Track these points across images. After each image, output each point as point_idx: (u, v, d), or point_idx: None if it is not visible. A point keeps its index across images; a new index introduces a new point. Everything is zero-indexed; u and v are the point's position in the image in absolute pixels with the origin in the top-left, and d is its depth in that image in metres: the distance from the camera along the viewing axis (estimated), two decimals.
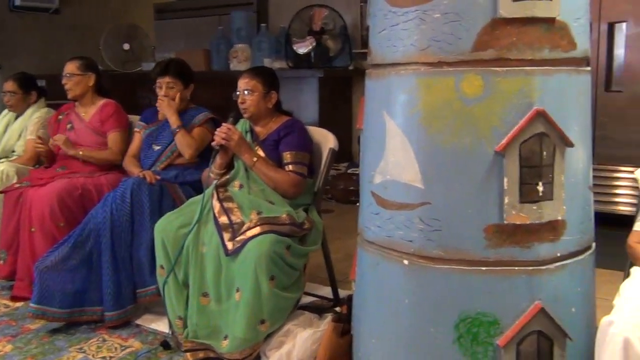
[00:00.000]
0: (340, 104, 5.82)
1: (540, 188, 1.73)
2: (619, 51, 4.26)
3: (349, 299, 2.30)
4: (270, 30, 6.13)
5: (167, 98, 3.18)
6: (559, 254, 1.80)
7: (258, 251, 2.42)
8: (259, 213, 2.58)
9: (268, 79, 2.87)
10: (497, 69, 1.71)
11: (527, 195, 1.73)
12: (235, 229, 2.54)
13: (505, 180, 1.72)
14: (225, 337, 2.50)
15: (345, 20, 5.63)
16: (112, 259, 2.88)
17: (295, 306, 2.63)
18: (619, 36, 4.25)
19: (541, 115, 1.71)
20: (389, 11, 1.86)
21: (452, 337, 1.80)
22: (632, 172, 2.11)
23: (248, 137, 2.85)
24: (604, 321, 1.74)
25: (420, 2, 1.76)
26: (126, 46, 6.58)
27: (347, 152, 5.72)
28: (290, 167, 2.75)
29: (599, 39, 4.27)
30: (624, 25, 4.19)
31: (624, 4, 4.16)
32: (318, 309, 2.81)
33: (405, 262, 1.86)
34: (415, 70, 1.80)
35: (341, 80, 5.83)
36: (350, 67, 5.65)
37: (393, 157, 1.87)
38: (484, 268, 1.77)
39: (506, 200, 1.72)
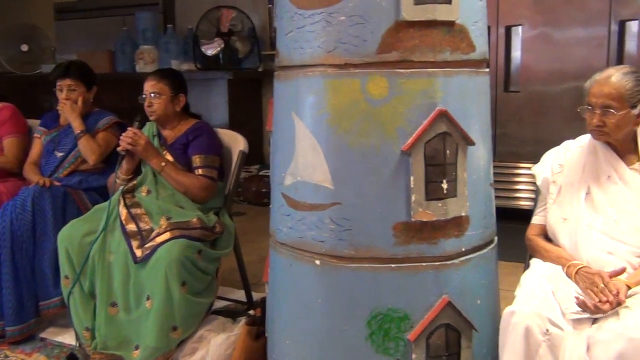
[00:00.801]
0: (251, 105, 5.79)
1: (444, 186, 1.79)
2: (516, 53, 4.46)
3: (263, 301, 2.29)
4: (177, 31, 6.02)
5: (69, 101, 3.06)
6: (463, 249, 1.86)
7: (168, 257, 2.37)
8: (168, 218, 2.52)
9: (175, 81, 2.81)
10: (402, 70, 1.76)
11: (433, 192, 1.78)
12: (143, 236, 2.48)
13: (412, 178, 1.76)
14: (137, 347, 2.43)
15: (254, 21, 5.60)
16: (12, 271, 2.73)
17: (208, 311, 2.60)
18: (515, 39, 4.45)
19: (444, 115, 1.76)
20: (296, 13, 1.87)
21: (365, 333, 1.83)
22: (530, 168, 2.22)
23: (155, 141, 2.78)
24: (506, 311, 1.82)
25: (325, 4, 1.78)
26: (24, 47, 6.29)
27: (258, 154, 5.71)
28: (200, 170, 2.71)
29: (498, 42, 4.46)
30: (520, 28, 4.40)
31: (520, 8, 4.37)
32: (232, 313, 2.78)
33: (317, 262, 1.87)
34: (322, 72, 1.82)
35: (251, 82, 5.80)
36: (260, 69, 5.63)
37: (303, 158, 1.88)
38: (393, 265, 1.81)
39: (413, 198, 1.77)
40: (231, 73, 5.40)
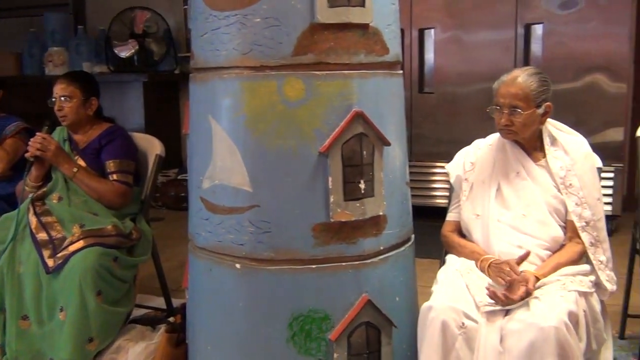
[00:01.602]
0: (168, 108, 5.69)
1: (362, 186, 1.82)
2: (429, 55, 4.59)
3: (183, 307, 2.25)
4: (89, 32, 5.84)
5: None
6: (382, 247, 1.90)
7: (82, 266, 2.30)
8: (81, 226, 2.44)
9: (87, 84, 2.72)
10: (317, 72, 1.77)
11: (351, 193, 1.81)
12: (55, 244, 2.39)
13: (330, 179, 1.78)
14: None
15: (169, 23, 5.50)
16: None
17: (126, 320, 2.53)
18: (428, 42, 4.58)
19: (360, 117, 1.79)
20: (210, 15, 1.85)
21: (286, 335, 1.83)
22: (444, 167, 2.29)
23: (66, 147, 2.68)
24: (423, 307, 1.87)
25: (240, 6, 1.77)
26: None
27: (176, 158, 5.61)
28: (114, 176, 2.63)
29: (411, 44, 4.57)
30: (432, 31, 4.53)
31: (432, 11, 4.50)
32: (151, 321, 2.73)
33: (238, 265, 1.86)
34: (238, 74, 1.81)
35: (167, 85, 5.70)
36: (176, 71, 5.54)
37: (221, 162, 1.87)
38: (313, 266, 1.82)
39: (331, 199, 1.79)
40: (146, 75, 5.30)
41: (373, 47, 1.84)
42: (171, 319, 2.54)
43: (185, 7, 5.60)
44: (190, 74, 2.01)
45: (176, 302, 2.94)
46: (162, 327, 2.47)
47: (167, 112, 5.66)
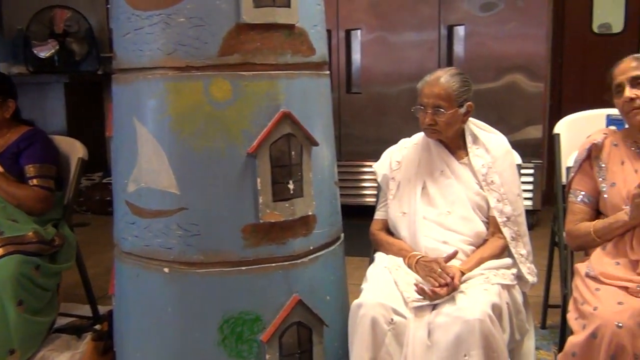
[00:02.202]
0: (91, 110, 5.52)
1: (291, 186, 1.82)
2: (356, 56, 4.65)
3: (110, 314, 2.20)
4: (6, 32, 5.61)
5: None
6: (312, 247, 1.91)
7: (2, 275, 2.22)
8: (0, 233, 2.34)
9: (3, 86, 2.61)
10: (244, 73, 1.76)
11: (280, 193, 1.81)
12: None
13: (259, 180, 1.77)
14: None
15: (91, 22, 5.35)
16: None
17: (49, 330, 2.46)
18: (355, 42, 4.64)
19: (287, 117, 1.79)
20: (132, 14, 1.80)
21: (217, 339, 1.81)
22: (372, 166, 2.33)
23: None
24: (353, 305, 1.89)
25: (163, 5, 1.74)
26: None
27: (101, 161, 5.45)
28: (35, 181, 2.54)
29: (338, 45, 4.61)
30: (359, 32, 4.59)
31: (358, 13, 4.56)
32: (76, 330, 2.65)
33: (166, 270, 1.83)
34: (163, 74, 1.78)
35: (90, 86, 5.54)
36: (99, 72, 5.39)
37: (146, 164, 1.83)
38: (243, 268, 1.81)
39: (260, 200, 1.78)
40: (68, 76, 5.15)
41: (299, 47, 1.85)
42: (97, 327, 2.49)
43: (108, 6, 5.46)
44: (113, 74, 1.96)
45: (102, 310, 2.87)
46: (88, 336, 2.42)
47: (90, 114, 5.50)
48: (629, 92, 1.93)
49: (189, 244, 1.80)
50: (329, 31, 4.47)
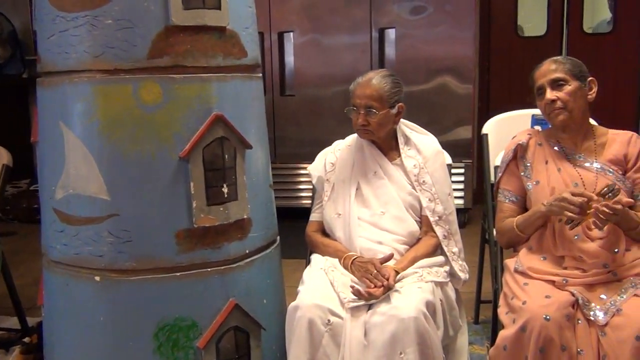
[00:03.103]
0: (16, 115, 5.33)
1: (225, 190, 1.81)
2: (289, 59, 4.66)
3: (39, 326, 2.13)
4: None
5: None
6: (247, 251, 1.90)
7: None
8: None
9: None
10: (175, 76, 1.73)
11: (214, 197, 1.79)
12: None
13: (192, 184, 1.75)
14: None
15: (14, 24, 5.17)
16: None
17: None
18: (288, 45, 4.65)
19: (220, 120, 1.78)
20: (57, 16, 1.75)
21: (153, 347, 1.78)
22: (307, 168, 2.34)
23: None
24: (290, 307, 1.89)
25: (89, 7, 1.70)
26: None
27: (28, 168, 5.25)
28: None
29: (271, 48, 4.61)
30: (291, 34, 4.60)
31: (290, 15, 4.57)
32: (4, 343, 2.56)
33: (97, 278, 1.78)
34: (90, 78, 1.73)
35: (14, 90, 5.35)
36: (24, 75, 5.21)
37: (75, 170, 1.78)
38: (178, 274, 1.79)
39: (194, 204, 1.76)
40: None
41: (231, 50, 1.83)
42: (26, 339, 2.41)
43: (32, 7, 5.28)
44: (37, 78, 1.90)
45: (31, 321, 2.77)
46: (17, 349, 2.35)
47: (15, 119, 5.30)
48: (549, 94, 2.01)
49: (120, 250, 1.76)
50: (261, 34, 4.48)
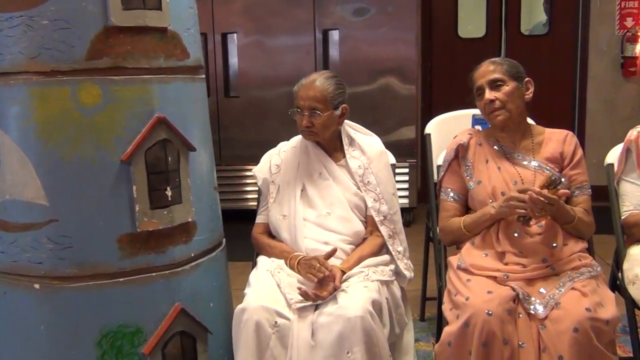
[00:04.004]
0: None
1: (169, 193, 1.78)
2: (233, 60, 4.63)
3: None
4: None
5: None
6: (192, 254, 1.87)
7: None
8: None
9: None
10: (115, 77, 1.70)
11: (157, 201, 1.76)
12: None
13: (134, 188, 1.72)
14: None
15: None
16: None
17: None
18: (231, 46, 4.61)
19: (162, 122, 1.75)
20: None
21: (95, 355, 1.74)
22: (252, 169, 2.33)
23: None
24: (237, 310, 1.88)
25: (24, 7, 1.64)
26: None
27: None
28: None
29: (215, 49, 4.57)
30: (235, 36, 4.57)
31: (234, 16, 4.54)
32: None
33: (37, 286, 1.73)
34: (26, 80, 1.68)
35: None
36: None
37: (11, 175, 1.72)
38: (121, 279, 1.75)
39: (137, 208, 1.73)
40: None
41: (173, 51, 1.81)
42: None
43: None
44: None
45: None
46: None
47: None
48: (488, 94, 2.06)
49: (61, 257, 1.71)
50: (204, 35, 4.43)
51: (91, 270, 1.73)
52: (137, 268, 1.77)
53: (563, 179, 2.00)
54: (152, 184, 1.75)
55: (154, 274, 1.79)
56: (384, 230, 2.14)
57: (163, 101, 1.77)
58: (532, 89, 2.12)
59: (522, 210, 1.90)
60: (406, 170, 4.51)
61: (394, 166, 2.36)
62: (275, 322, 1.84)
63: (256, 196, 2.38)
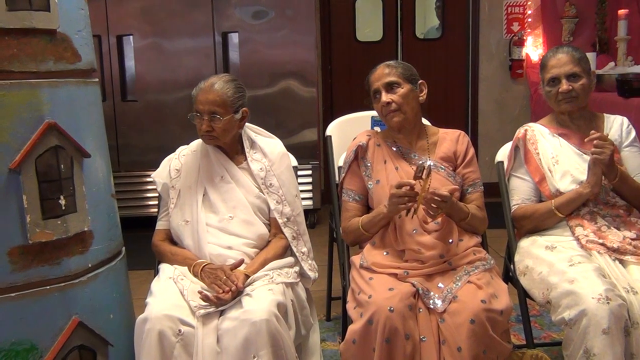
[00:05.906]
0: None
1: (62, 202, 1.71)
2: (130, 63, 4.49)
3: None
4: None
5: None
6: (90, 265, 1.81)
7: None
8: None
9: None
10: (0, 82, 1.61)
11: (50, 210, 1.68)
12: None
13: (25, 197, 1.64)
14: None
15: None
16: None
17: None
18: (127, 49, 4.48)
19: (54, 128, 1.68)
20: None
21: None
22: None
23: None
24: (138, 320, 1.83)
25: None
26: None
27: None
28: None
29: (110, 52, 4.42)
30: (131, 38, 4.44)
31: (129, 18, 4.41)
32: None
33: None
34: None
35: None
36: None
37: None
38: (13, 294, 1.66)
39: (28, 218, 1.64)
40: None
41: (63, 54, 1.74)
42: None
43: None
44: None
45: None
46: None
47: None
48: (384, 96, 2.12)
49: None
50: (98, 37, 4.28)
51: None
52: (30, 282, 1.68)
53: (430, 162, 2.08)
54: (44, 193, 1.67)
55: (48, 287, 1.71)
56: (287, 232, 2.15)
57: (54, 106, 1.70)
58: (425, 91, 2.20)
59: (403, 205, 1.96)
60: (309, 172, 4.55)
61: (296, 168, 2.37)
62: (179, 331, 1.80)
63: (156, 203, 2.32)
